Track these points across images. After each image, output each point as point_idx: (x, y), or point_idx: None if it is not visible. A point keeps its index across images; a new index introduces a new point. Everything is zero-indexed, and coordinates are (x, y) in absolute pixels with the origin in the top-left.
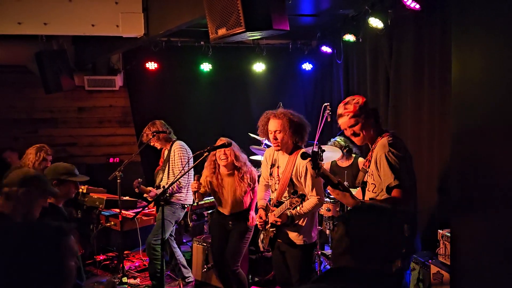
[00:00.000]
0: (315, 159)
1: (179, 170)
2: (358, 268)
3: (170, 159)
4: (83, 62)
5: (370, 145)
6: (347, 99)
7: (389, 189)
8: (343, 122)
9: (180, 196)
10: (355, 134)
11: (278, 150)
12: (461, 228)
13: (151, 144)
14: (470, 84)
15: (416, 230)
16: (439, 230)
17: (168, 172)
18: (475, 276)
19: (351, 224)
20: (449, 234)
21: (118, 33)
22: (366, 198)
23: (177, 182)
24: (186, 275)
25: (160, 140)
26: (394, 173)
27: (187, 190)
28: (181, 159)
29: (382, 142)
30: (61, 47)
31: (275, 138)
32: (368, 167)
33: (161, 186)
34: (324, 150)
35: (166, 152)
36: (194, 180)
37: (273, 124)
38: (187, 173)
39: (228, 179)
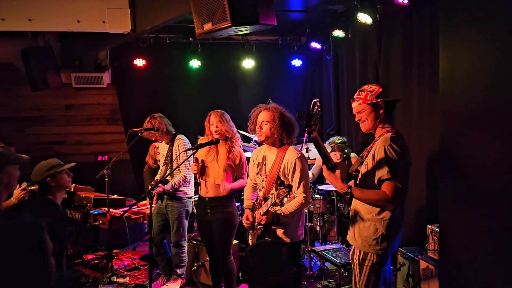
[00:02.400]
0: (309, 119)
1: (184, 164)
2: None
3: (174, 153)
4: (70, 59)
5: (374, 136)
6: (365, 86)
7: (380, 181)
8: (354, 106)
9: (187, 190)
10: (361, 120)
11: (261, 141)
12: (450, 223)
13: (153, 139)
14: (458, 80)
15: (399, 230)
16: (428, 226)
17: (172, 166)
18: (463, 270)
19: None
20: (437, 229)
21: (104, 29)
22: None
23: (183, 176)
24: (181, 273)
25: (162, 134)
26: (389, 167)
27: (191, 182)
28: (186, 153)
29: (385, 136)
30: (47, 43)
31: (260, 128)
32: (366, 157)
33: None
34: (321, 115)
35: (162, 147)
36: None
37: (263, 115)
38: (188, 166)
39: (218, 148)
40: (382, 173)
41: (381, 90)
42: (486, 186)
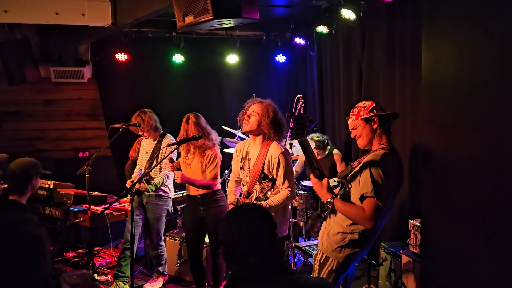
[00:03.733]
0: (298, 121)
1: (166, 162)
2: (247, 269)
3: (160, 151)
4: (49, 52)
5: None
6: (359, 102)
7: (362, 198)
8: (349, 123)
9: (168, 189)
10: (356, 136)
11: (245, 131)
12: (431, 218)
13: (140, 133)
14: (440, 76)
15: (367, 245)
16: (410, 221)
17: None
18: (444, 264)
19: (225, 237)
20: (419, 224)
21: (84, 22)
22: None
23: (166, 174)
24: (163, 271)
25: (150, 129)
26: (374, 186)
27: (171, 181)
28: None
29: (376, 154)
30: (24, 36)
31: (248, 117)
32: (355, 167)
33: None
34: (313, 121)
35: (146, 143)
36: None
37: (255, 107)
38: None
39: (196, 151)
40: (366, 189)
41: (374, 105)
42: (467, 182)
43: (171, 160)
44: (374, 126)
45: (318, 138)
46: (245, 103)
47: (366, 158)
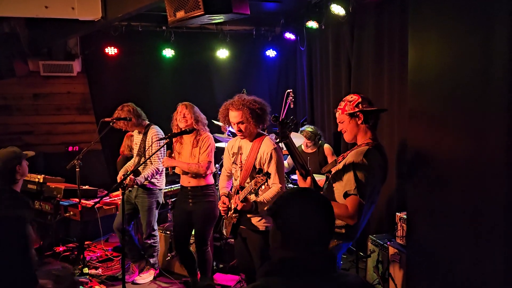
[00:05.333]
0: (283, 126)
1: (156, 155)
2: (297, 257)
3: (146, 144)
4: (38, 46)
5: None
6: (347, 96)
7: (346, 195)
8: (336, 116)
9: (157, 182)
10: (343, 130)
11: (243, 138)
12: (417, 210)
13: (123, 129)
14: (426, 71)
15: (347, 241)
16: (397, 213)
17: (145, 157)
18: (429, 255)
19: (280, 216)
20: (406, 217)
21: (73, 16)
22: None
23: (155, 168)
24: (155, 263)
25: (132, 124)
26: (357, 183)
27: (162, 174)
28: (158, 144)
29: (361, 150)
30: (13, 30)
31: (240, 130)
32: (339, 163)
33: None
34: (297, 123)
35: (135, 136)
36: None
37: (234, 116)
38: (161, 157)
39: (187, 139)
40: (350, 187)
41: (360, 99)
42: (452, 176)
43: (169, 154)
44: (359, 122)
45: (311, 130)
46: (219, 112)
47: (350, 155)
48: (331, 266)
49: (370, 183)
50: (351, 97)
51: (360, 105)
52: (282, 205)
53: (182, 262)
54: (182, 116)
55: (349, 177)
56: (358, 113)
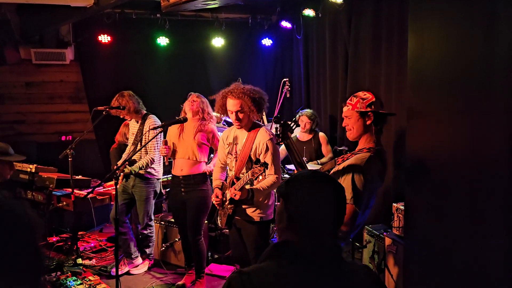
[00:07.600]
0: (284, 128)
1: (152, 145)
2: (301, 241)
3: (144, 134)
4: (29, 33)
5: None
6: (359, 92)
7: None
8: (344, 110)
9: (155, 171)
10: (347, 127)
11: (239, 128)
12: (414, 201)
13: (121, 116)
14: (426, 60)
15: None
16: (393, 204)
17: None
18: (427, 246)
19: (290, 197)
20: (402, 207)
21: (65, 2)
22: None
23: (151, 158)
24: (150, 253)
25: (130, 112)
26: (354, 193)
27: (159, 164)
28: (154, 133)
29: (362, 156)
30: (3, 16)
31: (238, 119)
32: (338, 164)
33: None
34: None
35: (132, 125)
36: (162, 146)
37: (233, 104)
38: (156, 147)
39: (191, 124)
40: (346, 195)
41: (374, 99)
42: (450, 166)
43: (165, 143)
44: (368, 122)
45: (312, 111)
46: (216, 97)
47: (349, 161)
48: (336, 257)
49: (368, 191)
50: (364, 95)
51: (373, 105)
52: (293, 186)
53: (183, 249)
54: (190, 103)
55: (346, 185)
56: (370, 113)
